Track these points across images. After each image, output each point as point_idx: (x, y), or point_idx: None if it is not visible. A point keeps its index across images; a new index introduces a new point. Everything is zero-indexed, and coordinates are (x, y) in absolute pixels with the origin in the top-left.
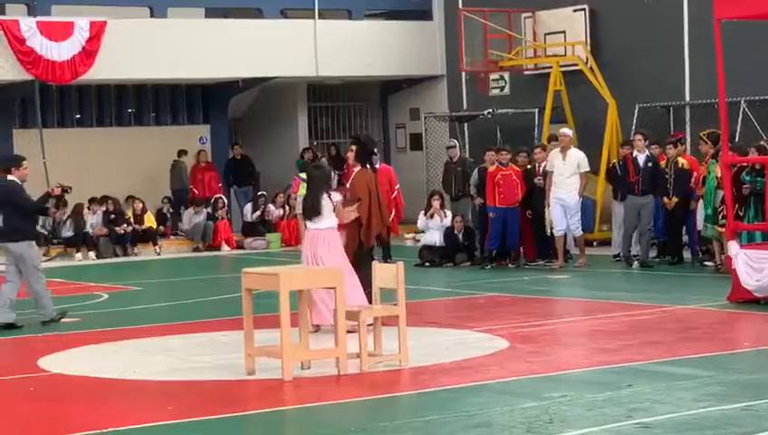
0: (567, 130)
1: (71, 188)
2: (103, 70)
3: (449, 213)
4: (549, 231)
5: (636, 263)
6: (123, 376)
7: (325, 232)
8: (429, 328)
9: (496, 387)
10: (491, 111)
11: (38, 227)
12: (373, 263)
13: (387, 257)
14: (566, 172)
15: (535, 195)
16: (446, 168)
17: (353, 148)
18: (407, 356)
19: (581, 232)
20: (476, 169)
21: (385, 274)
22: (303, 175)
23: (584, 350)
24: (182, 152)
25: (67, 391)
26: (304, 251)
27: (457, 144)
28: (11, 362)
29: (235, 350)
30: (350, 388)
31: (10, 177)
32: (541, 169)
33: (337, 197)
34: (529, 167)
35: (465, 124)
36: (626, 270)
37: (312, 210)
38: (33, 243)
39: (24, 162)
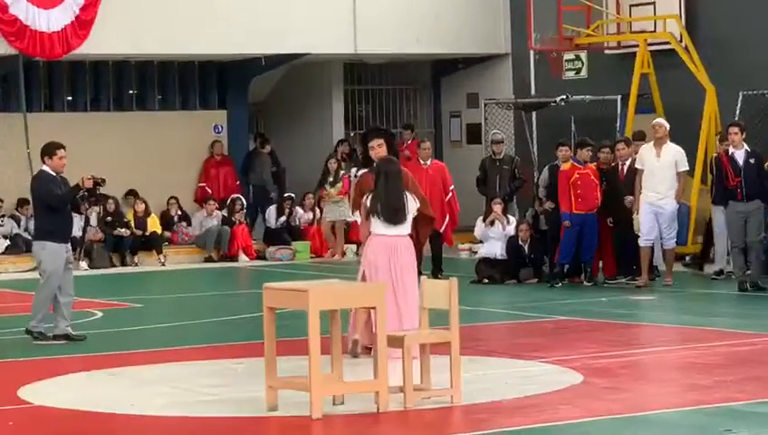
0: (663, 121)
1: (104, 180)
2: (100, 43)
3: (513, 220)
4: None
5: (745, 285)
6: (118, 410)
7: (406, 240)
8: (487, 358)
9: (567, 430)
10: (564, 97)
11: (15, 229)
12: (421, 279)
13: (438, 272)
14: (661, 171)
15: (616, 198)
16: (488, 165)
17: (381, 142)
18: (459, 392)
19: (675, 244)
20: (546, 168)
21: (435, 292)
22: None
23: (673, 386)
24: (264, 141)
25: (52, 428)
26: (376, 262)
27: (504, 138)
28: None
29: (253, 381)
30: (391, 428)
31: (44, 167)
32: (625, 167)
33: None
34: (610, 165)
35: (533, 113)
36: (727, 291)
37: (396, 213)
38: (48, 243)
39: (61, 151)
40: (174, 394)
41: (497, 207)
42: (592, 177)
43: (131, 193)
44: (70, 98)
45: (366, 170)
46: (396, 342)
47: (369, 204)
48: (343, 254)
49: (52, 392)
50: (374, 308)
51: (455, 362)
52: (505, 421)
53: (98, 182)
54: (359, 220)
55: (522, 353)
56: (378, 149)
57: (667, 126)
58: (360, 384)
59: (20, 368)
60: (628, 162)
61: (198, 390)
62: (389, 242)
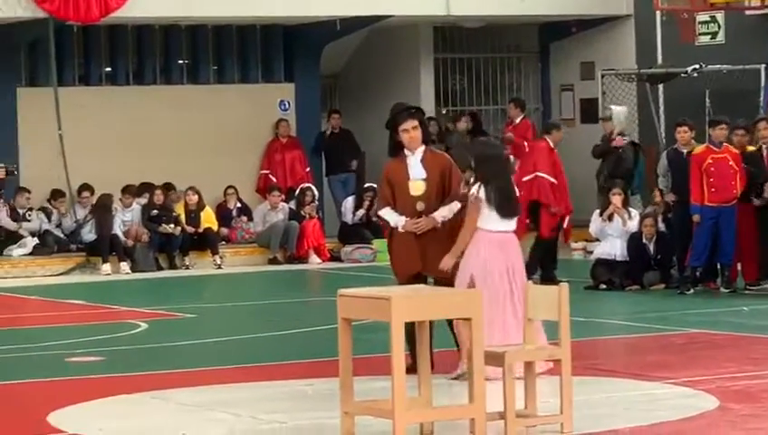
0: None
1: (16, 169)
2: (145, 4)
3: (636, 213)
4: None
5: None
6: None
7: (515, 236)
8: (604, 378)
9: None
10: (697, 67)
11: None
12: (527, 284)
13: (548, 277)
14: None
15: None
16: (601, 149)
17: (416, 124)
18: (570, 419)
19: None
20: (664, 153)
21: (542, 300)
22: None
23: None
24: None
25: None
26: (491, 264)
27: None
28: (11, 417)
29: (324, 405)
30: None
31: None
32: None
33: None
34: (751, 148)
35: (660, 86)
36: None
37: (511, 205)
38: None
39: None
40: (231, 421)
41: (616, 199)
42: (731, 162)
43: (181, 183)
44: (109, 69)
45: (392, 159)
46: (495, 359)
47: (481, 194)
48: None
49: (88, 419)
50: (469, 319)
51: (565, 383)
52: None
53: (10, 172)
54: (389, 217)
55: (645, 373)
56: (413, 131)
57: None
58: (453, 410)
59: (51, 389)
60: None
61: (261, 417)
62: (504, 239)
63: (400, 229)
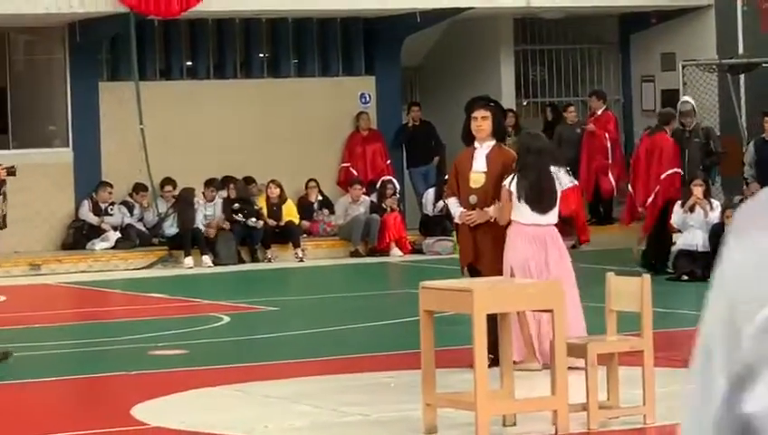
0: None
1: (15, 169)
2: None
3: (717, 204)
4: None
5: None
6: (249, 433)
7: (553, 230)
8: (683, 370)
9: None
10: None
11: (127, 219)
12: (607, 275)
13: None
14: None
15: None
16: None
17: (486, 114)
18: (653, 410)
19: None
20: (752, 143)
21: (624, 290)
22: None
23: None
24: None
25: None
26: (519, 257)
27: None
28: (95, 410)
29: (406, 397)
30: None
31: None
32: None
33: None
34: None
35: (741, 76)
36: None
37: (542, 199)
38: None
39: None
40: (314, 414)
41: (698, 190)
42: None
43: (262, 176)
44: (190, 63)
45: (464, 149)
46: (577, 351)
47: (512, 187)
48: None
49: (171, 412)
50: (551, 311)
51: (648, 374)
52: None
53: (11, 172)
54: (451, 207)
55: None
56: (482, 121)
57: None
58: (535, 402)
59: (134, 382)
60: None
61: (343, 409)
62: (538, 233)
63: (456, 220)
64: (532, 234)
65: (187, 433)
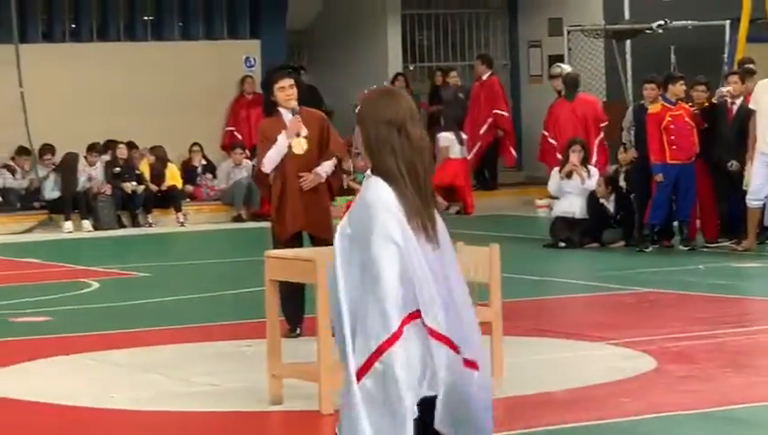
0: None
1: None
2: None
3: (595, 171)
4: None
5: None
6: (95, 404)
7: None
8: (542, 339)
9: (624, 428)
10: (662, 23)
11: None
12: (458, 244)
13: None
14: None
15: (721, 145)
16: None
17: (292, 82)
18: (499, 380)
19: None
20: (630, 108)
21: (475, 259)
22: None
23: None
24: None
25: (9, 424)
26: None
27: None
28: None
29: (260, 367)
30: None
31: None
32: (734, 107)
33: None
34: (714, 101)
35: (627, 42)
36: None
37: None
38: None
39: None
40: (164, 384)
41: (574, 156)
42: (687, 118)
43: (146, 140)
44: (74, 26)
45: (267, 119)
46: None
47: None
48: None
49: (17, 380)
50: None
51: (496, 344)
52: (553, 418)
53: None
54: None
55: (589, 333)
56: (290, 90)
57: None
58: None
59: None
60: (739, 101)
61: (194, 379)
62: None
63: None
64: None
65: (29, 403)
